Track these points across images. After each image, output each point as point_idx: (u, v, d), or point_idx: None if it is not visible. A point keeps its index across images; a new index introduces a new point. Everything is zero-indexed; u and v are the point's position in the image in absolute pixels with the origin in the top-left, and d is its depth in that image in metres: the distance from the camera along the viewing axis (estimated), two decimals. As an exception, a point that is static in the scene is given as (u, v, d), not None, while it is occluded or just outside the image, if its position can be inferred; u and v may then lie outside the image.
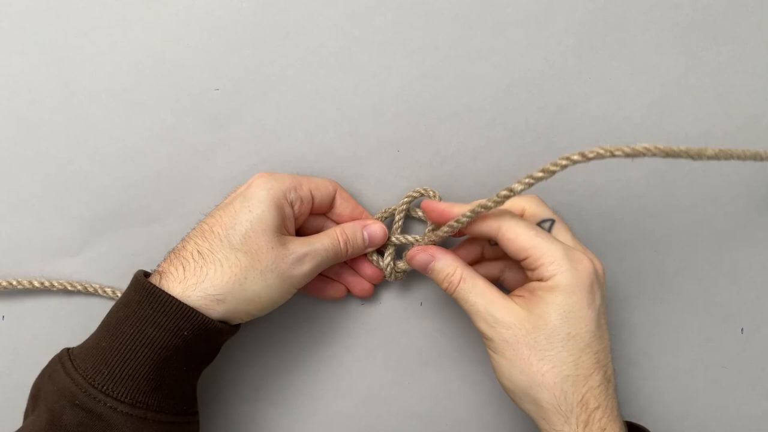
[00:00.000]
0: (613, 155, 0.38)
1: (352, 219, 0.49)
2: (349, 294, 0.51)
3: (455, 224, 0.43)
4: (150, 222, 0.51)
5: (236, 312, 0.42)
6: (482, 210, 0.41)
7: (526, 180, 0.39)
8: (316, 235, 0.47)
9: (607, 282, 0.52)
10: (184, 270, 0.42)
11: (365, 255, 0.50)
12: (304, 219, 0.48)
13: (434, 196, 0.48)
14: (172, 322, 0.40)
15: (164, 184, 0.51)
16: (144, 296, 0.41)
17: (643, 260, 0.52)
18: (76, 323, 0.51)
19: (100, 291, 0.50)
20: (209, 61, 0.50)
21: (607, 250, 0.51)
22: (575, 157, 0.38)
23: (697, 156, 0.39)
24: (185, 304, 0.40)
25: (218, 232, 0.43)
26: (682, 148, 0.38)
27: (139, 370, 0.40)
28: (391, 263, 0.49)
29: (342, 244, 0.46)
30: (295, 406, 0.52)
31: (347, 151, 0.51)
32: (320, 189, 0.47)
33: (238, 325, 0.45)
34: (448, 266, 0.44)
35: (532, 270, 0.42)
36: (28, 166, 0.51)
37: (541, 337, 0.41)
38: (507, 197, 0.40)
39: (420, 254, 0.46)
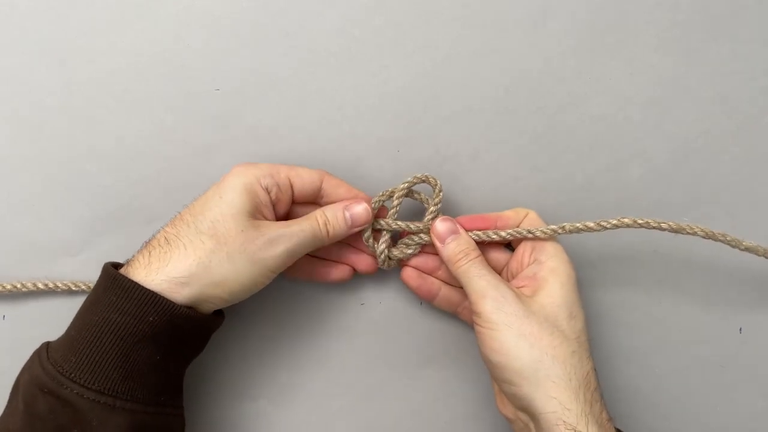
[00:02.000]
0: (660, 228, 0.46)
1: None
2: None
3: (494, 236, 0.47)
4: (150, 222, 0.51)
5: (203, 296, 0.42)
6: (529, 234, 0.47)
7: (578, 224, 0.46)
8: (296, 219, 0.46)
9: (606, 282, 0.52)
10: (150, 256, 0.42)
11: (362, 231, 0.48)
12: (286, 206, 0.47)
13: (435, 185, 0.48)
14: (136, 307, 0.40)
15: (164, 184, 0.51)
16: (109, 283, 0.41)
17: (643, 260, 0.52)
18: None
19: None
20: (209, 61, 0.50)
21: (607, 250, 0.51)
22: (626, 221, 0.46)
23: (734, 244, 0.47)
24: (146, 288, 0.40)
25: (187, 219, 0.43)
26: (722, 233, 0.46)
27: (105, 357, 0.40)
28: (386, 250, 0.48)
29: (321, 225, 0.45)
30: (295, 404, 0.52)
31: (347, 151, 0.51)
32: (302, 176, 0.46)
33: (218, 316, 0.44)
34: (469, 242, 0.47)
35: (530, 252, 0.47)
36: (28, 166, 0.51)
37: (550, 313, 0.43)
38: (555, 232, 0.47)
39: (448, 222, 0.47)
